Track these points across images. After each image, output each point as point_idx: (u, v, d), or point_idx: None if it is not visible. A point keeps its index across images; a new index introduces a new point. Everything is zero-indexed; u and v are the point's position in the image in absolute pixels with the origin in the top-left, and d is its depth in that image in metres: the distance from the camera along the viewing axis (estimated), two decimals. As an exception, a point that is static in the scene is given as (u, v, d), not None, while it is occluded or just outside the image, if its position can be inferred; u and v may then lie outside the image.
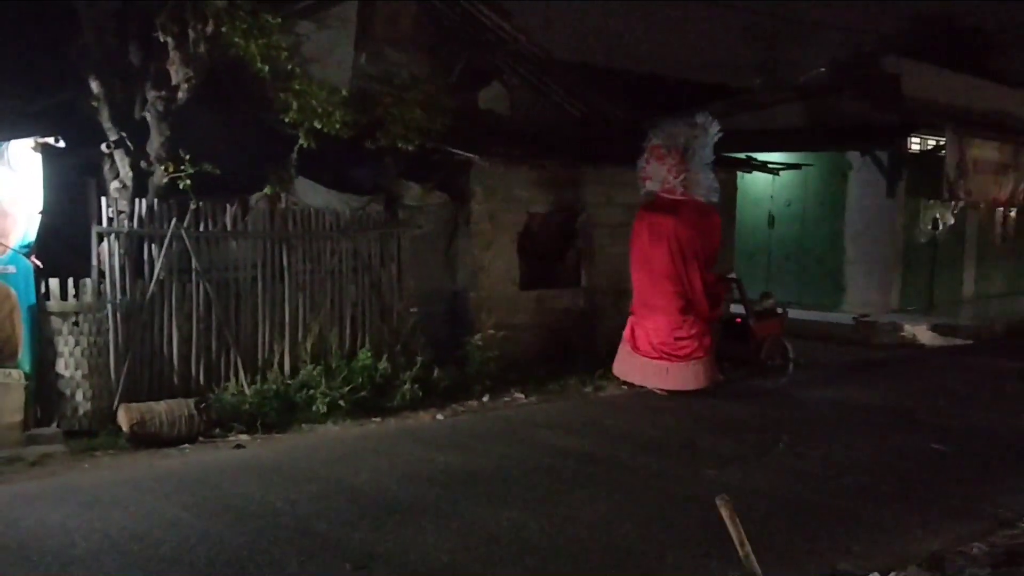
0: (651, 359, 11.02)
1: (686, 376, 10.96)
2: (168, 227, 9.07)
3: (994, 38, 32.43)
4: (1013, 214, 19.78)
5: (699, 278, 11.01)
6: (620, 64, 21.93)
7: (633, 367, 11.18)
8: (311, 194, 10.33)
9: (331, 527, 6.39)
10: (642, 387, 11.09)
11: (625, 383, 11.28)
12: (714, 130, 11.03)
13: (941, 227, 17.31)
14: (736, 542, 4.72)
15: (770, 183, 16.53)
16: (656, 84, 20.52)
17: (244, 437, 8.71)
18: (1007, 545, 6.37)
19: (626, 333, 11.31)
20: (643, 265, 11.19)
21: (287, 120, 9.50)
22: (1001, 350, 14.75)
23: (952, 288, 17.99)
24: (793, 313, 15.66)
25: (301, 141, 9.60)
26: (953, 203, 16.33)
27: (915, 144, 16.98)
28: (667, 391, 10.92)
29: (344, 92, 9.89)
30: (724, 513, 4.73)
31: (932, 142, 16.80)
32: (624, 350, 11.29)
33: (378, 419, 9.54)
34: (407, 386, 9.90)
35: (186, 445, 8.42)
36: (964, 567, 6.01)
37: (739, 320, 12.08)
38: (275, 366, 9.70)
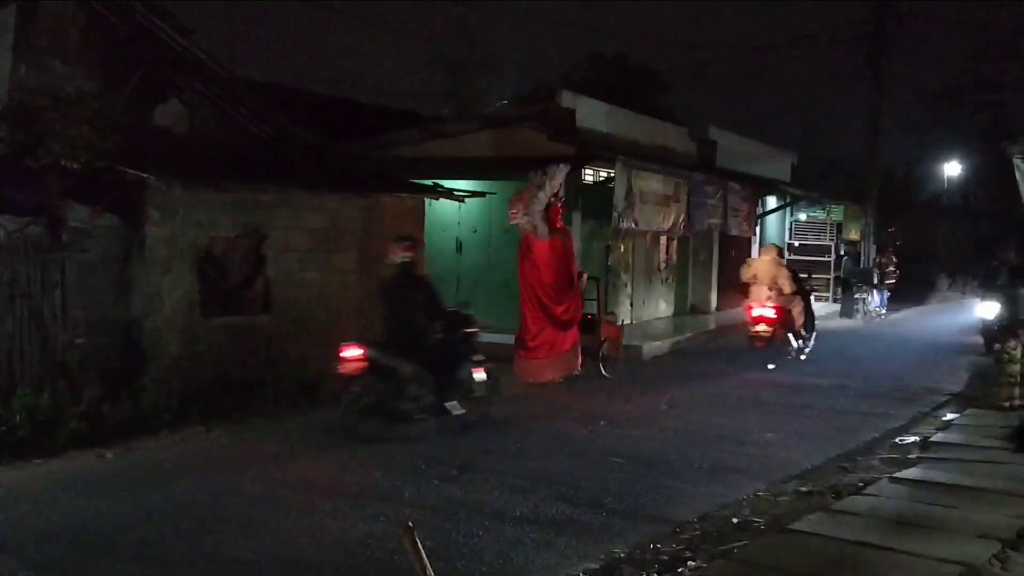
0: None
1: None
2: None
3: (660, 78, 35.49)
4: (675, 243, 21.51)
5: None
6: (310, 87, 21.75)
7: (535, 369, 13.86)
8: (-41, 214, 9.34)
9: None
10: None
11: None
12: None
13: (612, 253, 18.49)
14: (418, 569, 4.72)
15: (457, 210, 16.93)
16: (348, 108, 20.50)
17: None
18: (671, 551, 6.85)
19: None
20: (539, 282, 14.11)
21: (-71, 133, 8.57)
22: (658, 371, 15.92)
23: (618, 311, 19.07)
24: (483, 336, 16.10)
25: (-53, 156, 8.70)
26: (621, 232, 17.46)
27: (589, 175, 18.04)
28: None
29: (-1, 105, 9.09)
30: (406, 542, 4.72)
31: (604, 173, 17.92)
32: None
33: (39, 461, 8.71)
34: (73, 424, 9.16)
35: None
36: (633, 572, 6.42)
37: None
38: (-87, 406, 8.65)
